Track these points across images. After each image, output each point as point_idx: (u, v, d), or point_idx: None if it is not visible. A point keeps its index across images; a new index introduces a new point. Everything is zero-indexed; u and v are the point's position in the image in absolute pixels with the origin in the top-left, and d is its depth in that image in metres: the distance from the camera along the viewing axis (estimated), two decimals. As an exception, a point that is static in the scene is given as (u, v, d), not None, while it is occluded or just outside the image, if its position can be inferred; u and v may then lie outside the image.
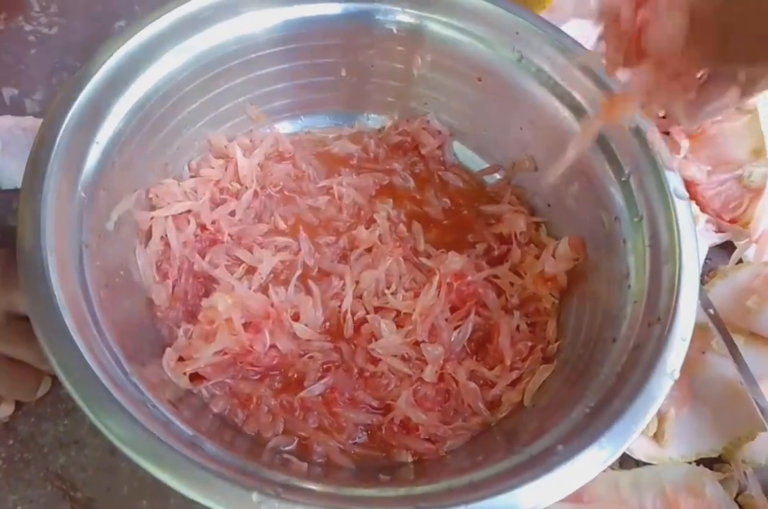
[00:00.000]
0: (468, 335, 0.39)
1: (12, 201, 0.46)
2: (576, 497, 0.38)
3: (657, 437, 0.41)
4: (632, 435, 0.29)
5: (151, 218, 0.41)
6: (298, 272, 0.42)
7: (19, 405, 0.39)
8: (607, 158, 0.39)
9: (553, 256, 0.42)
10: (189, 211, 0.42)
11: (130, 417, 0.28)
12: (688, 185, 0.48)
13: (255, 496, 0.26)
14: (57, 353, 0.29)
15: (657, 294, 0.34)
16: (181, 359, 0.37)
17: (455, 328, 0.39)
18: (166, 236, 0.41)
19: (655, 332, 0.32)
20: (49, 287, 0.30)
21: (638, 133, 0.38)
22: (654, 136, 0.38)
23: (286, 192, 0.45)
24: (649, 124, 0.38)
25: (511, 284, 0.42)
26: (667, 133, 0.51)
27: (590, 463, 0.28)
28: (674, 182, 0.36)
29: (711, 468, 0.41)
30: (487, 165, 0.48)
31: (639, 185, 0.37)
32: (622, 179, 0.38)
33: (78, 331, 0.30)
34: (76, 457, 0.38)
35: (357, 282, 0.42)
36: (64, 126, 0.35)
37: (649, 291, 0.34)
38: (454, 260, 0.40)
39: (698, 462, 0.41)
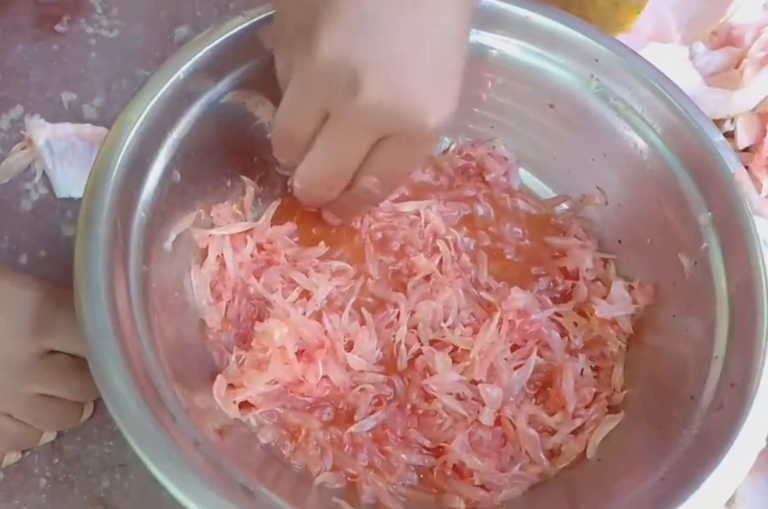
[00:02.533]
0: (528, 377, 0.37)
1: (67, 210, 0.46)
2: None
3: (728, 504, 0.38)
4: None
5: (209, 236, 0.40)
6: (353, 299, 0.41)
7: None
8: (689, 198, 0.37)
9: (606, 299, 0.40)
10: (248, 230, 0.41)
11: (177, 454, 0.27)
12: None
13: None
14: (110, 391, 0.28)
15: (741, 352, 0.31)
16: (231, 386, 0.36)
17: (514, 368, 0.38)
18: (222, 255, 0.40)
19: (738, 392, 0.30)
20: (106, 313, 0.30)
21: (725, 173, 0.36)
22: (742, 177, 0.36)
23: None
24: (738, 163, 0.36)
25: (575, 324, 0.40)
26: (747, 167, 0.48)
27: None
28: (764, 230, 0.34)
29: None
30: (553, 195, 0.46)
31: (724, 229, 0.35)
32: (705, 222, 0.36)
33: (131, 357, 0.30)
34: (120, 482, 0.38)
35: (412, 312, 0.40)
36: (127, 142, 0.34)
37: (732, 347, 0.32)
38: (517, 297, 0.38)
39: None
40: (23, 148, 0.47)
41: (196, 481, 0.26)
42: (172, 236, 0.37)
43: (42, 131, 0.46)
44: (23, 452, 0.38)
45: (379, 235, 0.43)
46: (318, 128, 0.31)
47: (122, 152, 0.34)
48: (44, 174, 0.47)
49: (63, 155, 0.46)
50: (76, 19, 0.53)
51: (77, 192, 0.46)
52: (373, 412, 0.37)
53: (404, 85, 0.28)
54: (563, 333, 0.39)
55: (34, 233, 0.45)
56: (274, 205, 0.43)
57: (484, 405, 0.36)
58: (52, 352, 0.36)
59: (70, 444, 0.38)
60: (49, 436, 0.38)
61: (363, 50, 0.28)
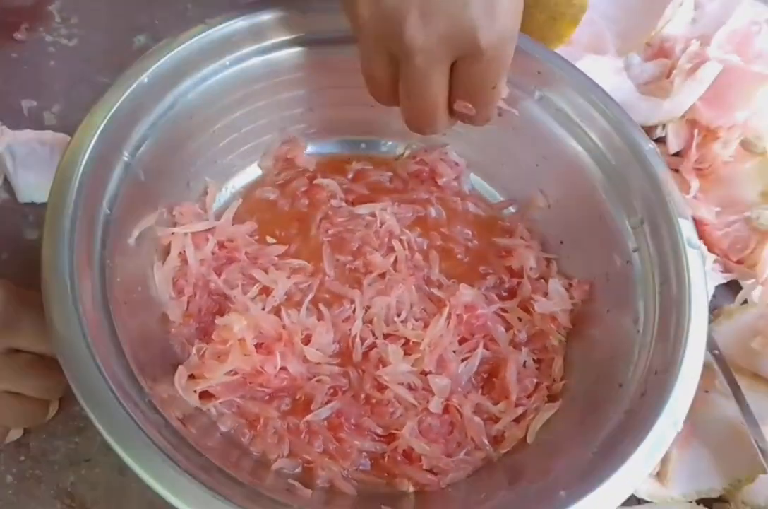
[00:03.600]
0: (475, 368, 0.40)
1: (29, 214, 0.47)
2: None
3: (660, 476, 0.41)
4: (632, 484, 0.29)
5: (172, 234, 0.41)
6: (311, 295, 0.43)
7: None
8: (621, 201, 0.40)
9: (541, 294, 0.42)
10: (209, 229, 0.43)
11: (145, 439, 0.29)
12: (698, 225, 0.49)
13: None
14: (75, 371, 0.29)
15: (664, 343, 0.34)
16: (192, 377, 0.37)
17: (462, 360, 0.40)
18: (184, 252, 0.41)
19: (660, 380, 0.33)
20: (71, 305, 0.31)
21: (653, 178, 0.39)
22: (669, 181, 0.39)
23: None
24: (665, 169, 0.39)
25: (519, 319, 0.42)
26: (677, 170, 0.52)
27: (591, 510, 0.29)
28: (688, 231, 0.37)
29: (711, 508, 0.42)
30: (501, 198, 0.49)
31: (652, 230, 0.38)
32: (635, 223, 0.39)
33: (97, 349, 0.31)
34: (86, 475, 0.39)
35: (368, 307, 0.42)
36: (92, 143, 0.35)
37: (657, 339, 0.35)
38: (465, 293, 0.41)
39: (698, 501, 0.42)
40: (-16, 154, 0.47)
41: (158, 461, 0.28)
42: (136, 233, 0.39)
43: (3, 137, 0.47)
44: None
45: (336, 238, 0.45)
46: (395, 71, 0.34)
47: (88, 151, 0.35)
48: (5, 180, 0.47)
49: (24, 160, 0.47)
50: (35, 28, 0.54)
51: (39, 197, 0.47)
52: (328, 402, 0.39)
53: (442, 13, 0.31)
54: (508, 328, 0.42)
55: (-4, 237, 0.45)
56: (235, 205, 0.45)
57: (433, 394, 0.39)
58: (17, 351, 0.36)
59: (35, 441, 0.39)
60: (15, 434, 0.38)
61: None
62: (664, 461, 0.41)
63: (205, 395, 0.38)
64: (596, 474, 0.30)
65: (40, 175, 0.47)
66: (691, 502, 0.41)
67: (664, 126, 0.51)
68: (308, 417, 0.38)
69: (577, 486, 0.29)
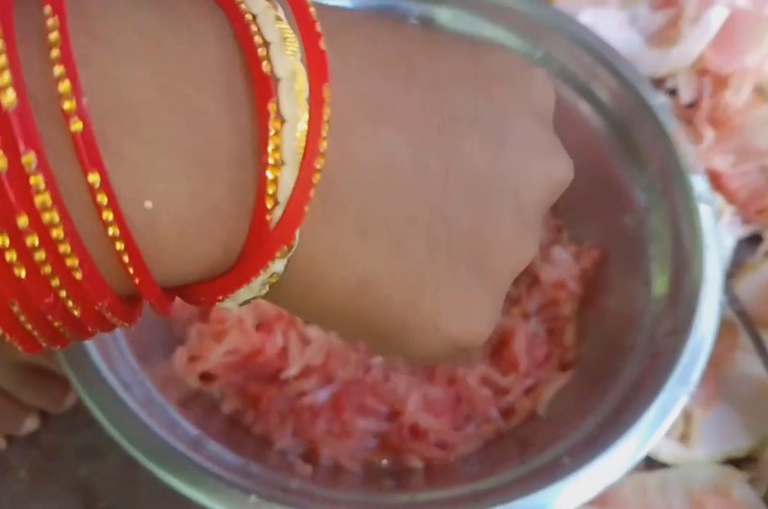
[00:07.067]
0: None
1: None
2: (601, 500, 0.37)
3: (683, 438, 0.39)
4: (641, 451, 0.27)
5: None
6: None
7: (43, 416, 0.39)
8: (632, 160, 0.38)
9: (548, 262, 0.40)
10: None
11: (133, 416, 0.28)
12: (714, 176, 0.46)
13: (253, 499, 0.26)
14: (70, 354, 0.29)
15: (677, 303, 0.32)
16: (192, 359, 0.37)
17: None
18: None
19: (672, 342, 0.31)
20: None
21: (665, 134, 0.37)
22: (681, 137, 0.36)
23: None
24: (676, 124, 0.37)
25: (528, 289, 0.41)
26: (691, 122, 0.49)
27: (595, 478, 0.27)
28: (700, 187, 0.35)
29: (738, 467, 0.39)
30: (508, 165, 0.47)
31: (664, 188, 0.36)
32: (647, 182, 0.37)
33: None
34: (98, 468, 0.38)
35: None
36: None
37: (670, 300, 0.33)
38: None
39: (725, 461, 0.39)
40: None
41: (143, 434, 0.27)
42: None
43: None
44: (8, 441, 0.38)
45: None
46: None
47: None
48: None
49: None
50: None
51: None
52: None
53: None
54: (517, 298, 0.40)
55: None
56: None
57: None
58: None
59: (47, 434, 0.39)
60: (31, 424, 0.38)
61: None
62: (688, 422, 0.39)
63: (206, 376, 0.37)
64: (602, 439, 0.28)
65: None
66: (717, 463, 0.39)
67: (676, 77, 0.49)
68: (306, 399, 0.37)
69: (582, 452, 0.28)
